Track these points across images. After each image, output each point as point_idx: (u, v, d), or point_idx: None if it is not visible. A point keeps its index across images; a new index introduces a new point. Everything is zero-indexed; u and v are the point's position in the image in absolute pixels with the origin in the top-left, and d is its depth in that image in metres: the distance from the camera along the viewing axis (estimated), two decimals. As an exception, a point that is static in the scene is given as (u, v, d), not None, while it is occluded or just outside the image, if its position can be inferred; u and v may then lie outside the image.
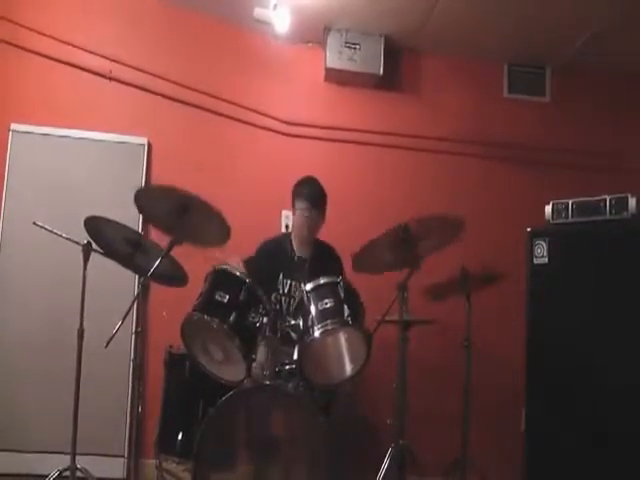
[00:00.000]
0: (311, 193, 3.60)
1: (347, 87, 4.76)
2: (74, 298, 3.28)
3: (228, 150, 4.62)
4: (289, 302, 3.57)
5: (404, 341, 3.15)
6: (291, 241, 3.69)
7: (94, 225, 3.10)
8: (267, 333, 3.04)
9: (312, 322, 2.95)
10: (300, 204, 3.60)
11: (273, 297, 3.52)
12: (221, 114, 4.56)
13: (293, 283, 3.59)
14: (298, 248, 3.67)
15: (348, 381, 3.13)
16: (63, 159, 4.32)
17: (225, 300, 2.98)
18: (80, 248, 3.23)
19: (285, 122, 4.65)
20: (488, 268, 3.53)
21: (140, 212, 3.06)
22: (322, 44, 4.61)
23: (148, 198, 2.99)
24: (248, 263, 3.56)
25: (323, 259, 3.62)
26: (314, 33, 4.61)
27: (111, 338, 2.70)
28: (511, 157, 4.78)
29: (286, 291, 3.60)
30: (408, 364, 3.12)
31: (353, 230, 4.06)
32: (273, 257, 3.65)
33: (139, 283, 2.97)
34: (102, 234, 3.14)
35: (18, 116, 4.30)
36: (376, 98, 4.79)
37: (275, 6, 4.06)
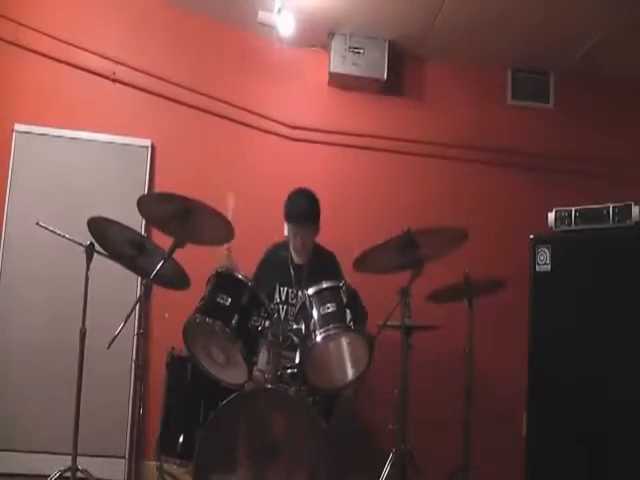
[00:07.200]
0: (296, 213, 3.55)
1: (351, 92, 4.74)
2: (76, 299, 3.28)
3: (231, 153, 4.61)
4: (287, 310, 3.55)
5: (406, 346, 3.14)
6: (290, 248, 3.66)
7: (97, 226, 3.09)
8: (269, 337, 3.05)
9: (314, 327, 2.96)
10: (288, 225, 3.59)
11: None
12: (225, 117, 4.56)
13: (290, 290, 3.58)
14: (296, 256, 3.65)
15: (350, 385, 3.14)
16: (66, 160, 4.32)
17: (227, 303, 2.99)
18: (83, 249, 3.24)
19: (288, 126, 4.65)
20: (491, 274, 3.52)
21: (143, 217, 3.06)
22: (326, 48, 4.61)
23: (150, 204, 2.98)
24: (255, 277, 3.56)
25: (321, 265, 3.61)
26: (318, 37, 4.61)
27: (113, 339, 2.70)
28: (514, 163, 4.77)
29: (283, 299, 3.58)
30: (409, 369, 3.11)
31: (354, 234, 4.08)
32: (272, 268, 3.65)
33: (141, 285, 2.96)
34: (105, 235, 3.14)
35: (22, 117, 4.29)
36: (379, 103, 4.78)
37: (279, 10, 4.04)
